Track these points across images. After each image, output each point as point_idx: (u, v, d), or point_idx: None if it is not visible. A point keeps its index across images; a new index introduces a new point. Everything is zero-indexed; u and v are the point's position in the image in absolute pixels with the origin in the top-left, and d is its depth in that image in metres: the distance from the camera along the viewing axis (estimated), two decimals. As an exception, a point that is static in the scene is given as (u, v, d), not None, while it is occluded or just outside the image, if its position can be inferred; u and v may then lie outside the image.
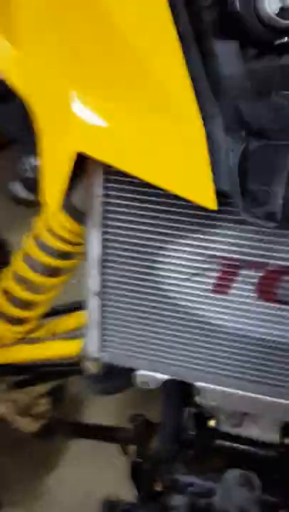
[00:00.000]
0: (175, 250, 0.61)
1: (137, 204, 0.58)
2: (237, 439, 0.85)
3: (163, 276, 0.62)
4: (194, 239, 0.59)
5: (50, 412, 1.06)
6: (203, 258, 0.61)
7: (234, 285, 0.62)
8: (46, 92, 0.54)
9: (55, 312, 0.95)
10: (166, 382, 0.71)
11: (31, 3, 0.52)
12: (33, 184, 0.68)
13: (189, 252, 0.60)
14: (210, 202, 0.51)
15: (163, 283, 0.63)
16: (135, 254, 0.62)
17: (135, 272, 0.63)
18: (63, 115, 0.53)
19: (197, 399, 0.84)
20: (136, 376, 0.72)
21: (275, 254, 0.58)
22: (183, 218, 0.58)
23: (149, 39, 0.51)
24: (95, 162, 0.55)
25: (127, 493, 0.85)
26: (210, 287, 0.62)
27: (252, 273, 0.60)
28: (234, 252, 0.60)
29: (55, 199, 0.57)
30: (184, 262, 0.61)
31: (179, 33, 0.50)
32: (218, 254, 0.60)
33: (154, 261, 0.62)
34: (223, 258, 0.60)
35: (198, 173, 0.51)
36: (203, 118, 0.51)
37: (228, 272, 0.61)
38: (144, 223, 0.59)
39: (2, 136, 1.27)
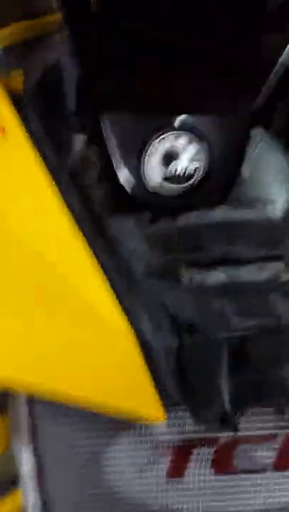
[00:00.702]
0: (120, 449, 0.55)
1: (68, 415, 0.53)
2: None
3: (113, 480, 0.57)
4: (137, 434, 0.55)
5: None
6: (151, 449, 0.56)
7: (189, 465, 0.58)
8: None
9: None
10: None
11: None
12: None
13: (135, 449, 0.56)
14: (158, 415, 0.47)
15: (114, 485, 0.57)
16: (75, 465, 0.56)
17: (79, 478, 0.57)
18: None
19: None
20: None
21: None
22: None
23: (53, 247, 0.48)
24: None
25: None
26: (164, 474, 0.58)
27: (204, 450, 0.57)
28: (182, 433, 0.56)
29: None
30: (131, 460, 0.56)
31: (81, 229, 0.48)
32: (166, 439, 0.56)
33: (99, 464, 0.56)
34: (172, 442, 0.56)
35: (138, 386, 0.47)
36: (129, 318, 0.47)
37: (181, 454, 0.57)
38: (79, 433, 0.54)
39: None
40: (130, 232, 0.51)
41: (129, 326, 0.47)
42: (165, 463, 0.57)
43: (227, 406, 0.48)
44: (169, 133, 0.53)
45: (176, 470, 0.58)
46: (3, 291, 0.46)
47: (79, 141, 0.54)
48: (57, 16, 0.57)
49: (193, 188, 0.54)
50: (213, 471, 0.58)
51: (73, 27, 0.54)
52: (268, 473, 0.59)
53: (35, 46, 0.58)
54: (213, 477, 0.59)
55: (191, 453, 0.57)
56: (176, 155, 0.53)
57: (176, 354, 0.48)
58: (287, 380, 0.49)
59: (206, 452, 0.57)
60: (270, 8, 0.51)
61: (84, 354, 0.47)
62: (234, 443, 0.57)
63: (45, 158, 0.49)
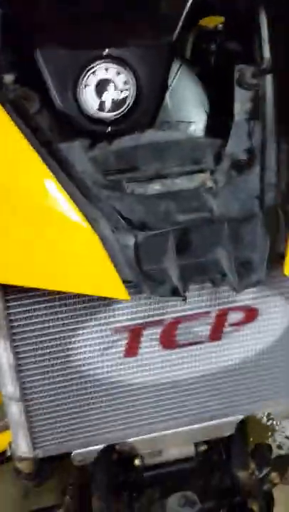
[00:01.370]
0: (86, 333, 0.65)
1: (42, 306, 0.61)
2: (162, 465, 0.93)
3: (79, 359, 0.66)
4: (98, 319, 0.65)
5: None
6: (111, 332, 0.66)
7: (141, 345, 0.69)
8: None
9: None
10: (101, 452, 0.75)
11: None
12: None
13: (99, 331, 0.66)
14: (122, 294, 0.57)
15: (81, 365, 0.67)
16: (48, 350, 0.64)
17: (52, 365, 0.66)
18: None
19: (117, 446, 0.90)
20: (73, 457, 0.74)
21: (169, 309, 0.67)
22: (85, 304, 0.63)
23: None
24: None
25: None
26: (121, 354, 0.69)
27: (153, 330, 0.69)
28: (136, 318, 0.67)
29: None
30: (95, 341, 0.66)
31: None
32: (123, 324, 0.67)
33: (68, 349, 0.65)
34: (128, 326, 0.67)
35: (103, 271, 0.56)
36: (90, 223, 0.56)
37: (135, 336, 0.68)
38: (50, 326, 0.63)
39: None
40: (77, 156, 0.60)
41: (90, 225, 0.56)
42: (122, 344, 0.68)
43: (176, 282, 0.59)
44: (100, 65, 0.61)
45: (131, 349, 0.69)
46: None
47: (9, 78, 0.60)
48: None
49: (124, 115, 0.63)
50: (161, 347, 0.70)
51: None
52: (205, 345, 0.72)
53: None
54: (161, 353, 0.71)
55: (142, 334, 0.68)
56: (107, 86, 0.62)
57: (132, 248, 0.58)
58: (220, 261, 0.60)
59: (155, 332, 0.69)
60: None
61: (50, 246, 0.56)
62: (176, 322, 0.69)
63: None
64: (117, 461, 0.94)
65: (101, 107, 0.62)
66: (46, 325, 0.62)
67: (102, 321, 0.65)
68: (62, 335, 0.64)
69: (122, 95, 0.63)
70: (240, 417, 0.79)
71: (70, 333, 0.64)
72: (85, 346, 0.66)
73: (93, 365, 0.68)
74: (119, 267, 0.56)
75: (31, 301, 0.60)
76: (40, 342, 0.63)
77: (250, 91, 0.66)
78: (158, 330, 0.69)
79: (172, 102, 0.72)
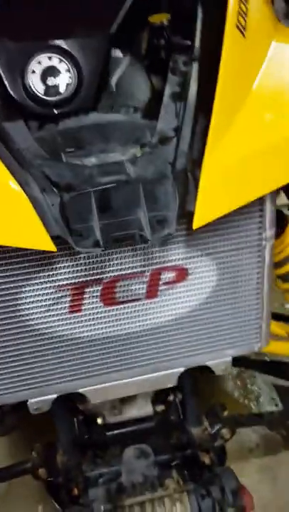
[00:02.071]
0: (32, 290, 0.74)
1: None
2: (123, 424, 1.02)
3: (27, 314, 0.76)
4: (43, 277, 0.74)
5: None
6: (55, 289, 0.76)
7: (84, 302, 0.78)
8: None
9: None
10: (55, 400, 0.84)
11: None
12: None
13: (43, 288, 0.75)
14: (48, 245, 0.66)
15: (29, 320, 0.76)
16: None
17: (1, 320, 0.75)
18: None
19: (81, 407, 0.99)
20: (29, 405, 0.83)
21: (107, 269, 0.76)
22: (27, 264, 0.72)
23: None
24: None
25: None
26: (66, 310, 0.78)
27: (94, 288, 0.78)
28: (77, 277, 0.76)
29: None
30: (41, 298, 0.75)
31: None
32: (65, 282, 0.76)
33: (16, 304, 0.75)
34: (70, 284, 0.76)
35: (31, 227, 0.65)
36: (20, 185, 0.66)
37: (77, 293, 0.77)
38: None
39: None
40: (23, 135, 0.69)
41: (20, 188, 0.65)
42: (67, 301, 0.77)
43: (98, 236, 0.68)
44: (44, 54, 0.71)
45: (75, 306, 0.78)
46: None
47: None
48: None
49: (69, 98, 0.73)
50: (102, 304, 0.79)
51: None
52: (143, 302, 0.81)
53: None
54: (103, 309, 0.79)
55: (84, 292, 0.77)
56: (52, 73, 0.72)
57: (60, 207, 0.67)
58: (138, 219, 0.69)
59: (96, 290, 0.78)
60: None
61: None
62: (114, 281, 0.78)
63: None
64: (83, 421, 1.03)
65: (46, 92, 0.72)
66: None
67: (46, 279, 0.74)
68: (9, 291, 0.73)
69: (65, 81, 0.72)
70: (181, 369, 0.87)
71: (17, 290, 0.73)
72: (32, 302, 0.75)
73: (41, 319, 0.77)
74: (48, 223, 0.65)
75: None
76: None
77: (180, 77, 0.75)
78: (98, 288, 0.78)
79: (118, 89, 0.82)
